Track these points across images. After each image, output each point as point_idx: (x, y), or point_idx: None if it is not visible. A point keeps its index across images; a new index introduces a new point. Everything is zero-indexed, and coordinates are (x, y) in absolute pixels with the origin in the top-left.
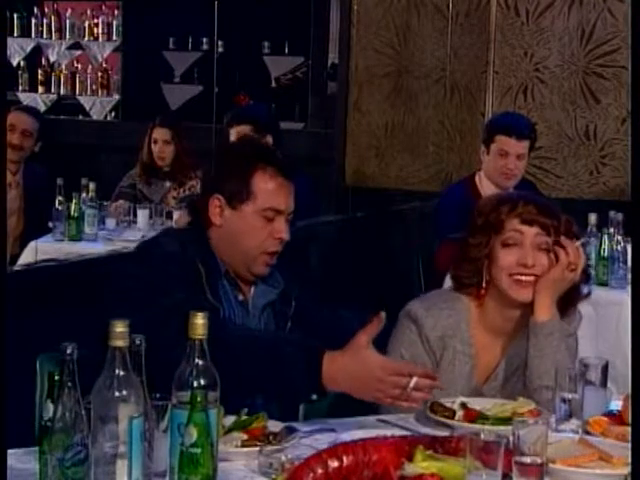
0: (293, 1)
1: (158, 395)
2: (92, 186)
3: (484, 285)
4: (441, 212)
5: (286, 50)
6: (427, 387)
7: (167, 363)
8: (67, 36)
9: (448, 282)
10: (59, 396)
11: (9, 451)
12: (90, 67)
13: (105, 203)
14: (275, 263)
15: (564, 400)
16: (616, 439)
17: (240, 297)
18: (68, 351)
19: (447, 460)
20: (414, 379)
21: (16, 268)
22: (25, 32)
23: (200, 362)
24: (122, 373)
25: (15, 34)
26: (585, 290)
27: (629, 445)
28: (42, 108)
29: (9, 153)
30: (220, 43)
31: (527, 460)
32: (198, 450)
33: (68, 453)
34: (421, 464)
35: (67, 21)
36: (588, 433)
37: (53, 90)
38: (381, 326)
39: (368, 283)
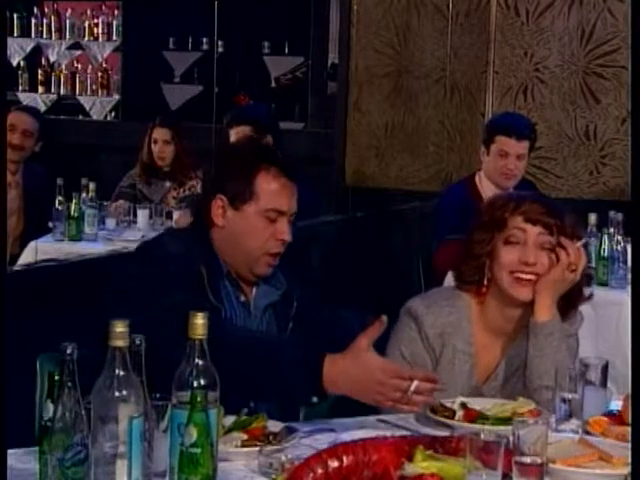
0: (293, 1)
1: (158, 395)
2: (92, 186)
3: (485, 283)
4: (441, 212)
5: (286, 50)
6: (428, 390)
7: (167, 363)
8: (67, 36)
9: (448, 282)
10: (59, 396)
11: (9, 451)
12: (90, 67)
13: (105, 203)
14: (277, 264)
15: (564, 400)
16: (616, 439)
17: (242, 298)
18: (68, 351)
19: (447, 460)
20: (415, 382)
21: (16, 268)
22: (25, 32)
23: (200, 362)
24: (122, 373)
25: (15, 34)
26: (587, 292)
27: (629, 445)
28: (42, 108)
29: (9, 153)
30: (220, 43)
31: (527, 460)
32: (198, 450)
33: (68, 453)
34: (421, 464)
35: (67, 21)
36: (588, 433)
37: (53, 90)
38: (382, 329)
39: (368, 283)
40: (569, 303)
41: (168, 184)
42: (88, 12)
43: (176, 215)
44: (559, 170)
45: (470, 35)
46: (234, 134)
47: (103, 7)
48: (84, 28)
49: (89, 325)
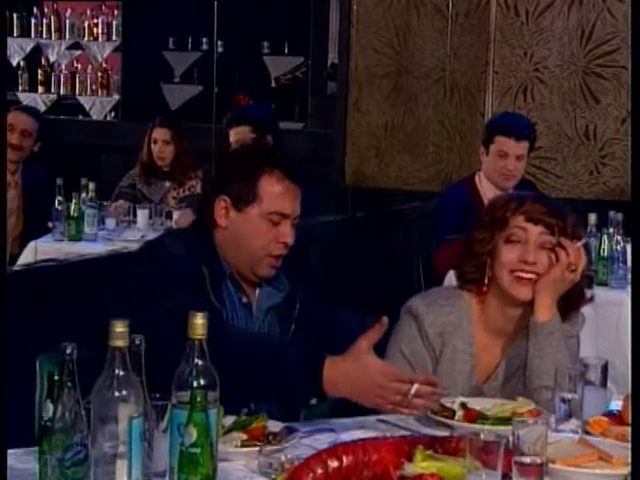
0: (293, 1)
1: (158, 395)
2: (92, 186)
3: (486, 282)
4: (441, 212)
5: (286, 50)
6: (428, 394)
7: (167, 363)
8: (67, 36)
9: (448, 282)
10: (59, 396)
11: (9, 451)
12: (90, 67)
13: (105, 203)
14: (280, 265)
15: (564, 400)
16: (616, 439)
17: (244, 299)
18: (68, 351)
19: (447, 460)
20: (415, 386)
21: (16, 268)
22: (25, 32)
23: (200, 362)
24: (122, 373)
25: (15, 34)
26: (588, 294)
27: (629, 445)
28: (42, 108)
29: (8, 153)
30: (220, 43)
31: (527, 460)
32: (198, 450)
33: (68, 453)
34: (421, 464)
35: (67, 21)
36: (588, 433)
37: (53, 90)
38: (383, 331)
39: (368, 283)
40: (570, 304)
41: (168, 184)
42: (88, 12)
43: (176, 215)
44: (559, 170)
45: (470, 35)
46: (234, 134)
47: (103, 7)
48: (84, 28)
49: (89, 325)
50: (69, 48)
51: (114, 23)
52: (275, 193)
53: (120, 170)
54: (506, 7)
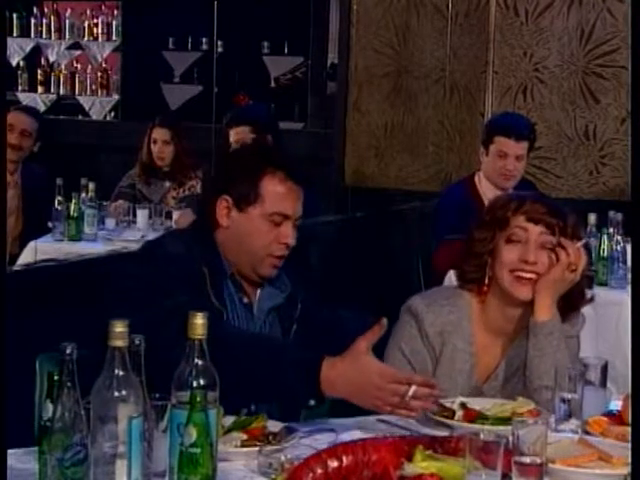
0: (292, 1)
1: (157, 395)
2: (92, 186)
3: (487, 282)
4: (440, 212)
5: (285, 50)
6: (426, 396)
7: (167, 363)
8: (67, 36)
9: (448, 282)
10: (58, 396)
11: (9, 451)
12: (90, 67)
13: (105, 203)
14: (282, 266)
15: (564, 400)
16: (616, 439)
17: (245, 300)
18: (68, 351)
19: (446, 460)
20: (413, 387)
21: (16, 268)
22: (24, 32)
23: (200, 362)
24: (121, 373)
25: (15, 34)
26: (589, 294)
27: (629, 445)
28: (42, 108)
29: (7, 153)
30: (220, 43)
31: (526, 460)
32: (197, 450)
33: (67, 453)
34: (420, 464)
35: (66, 21)
36: (588, 433)
37: (52, 90)
38: (382, 332)
39: (368, 283)
40: (570, 304)
41: (168, 184)
42: (88, 12)
43: (176, 215)
44: (559, 170)
45: (469, 35)
46: (234, 134)
47: (103, 7)
48: (84, 28)
49: (89, 325)
50: (69, 48)
51: (114, 23)
52: (277, 194)
53: (120, 170)
54: (506, 7)
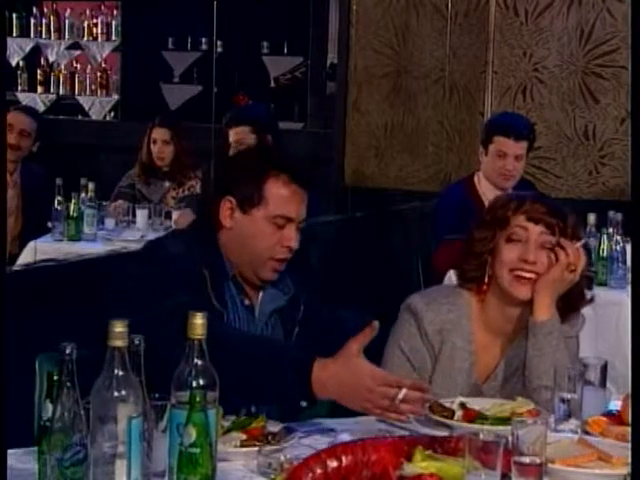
0: (292, 1)
1: (157, 395)
2: (91, 186)
3: (486, 281)
4: (440, 212)
5: (285, 50)
6: (416, 399)
7: (167, 363)
8: (66, 36)
9: (447, 282)
10: (58, 396)
11: (8, 451)
12: (89, 67)
13: (104, 203)
14: (285, 268)
15: (563, 400)
16: (615, 439)
17: (246, 301)
18: (67, 351)
19: (446, 460)
20: (403, 391)
21: (15, 268)
22: (24, 32)
23: (199, 362)
24: (121, 373)
25: (14, 34)
26: (588, 295)
27: (629, 445)
28: (41, 108)
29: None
30: (219, 43)
31: (526, 460)
32: (197, 450)
33: (67, 453)
34: (420, 464)
35: (66, 21)
36: (587, 433)
37: (52, 90)
38: (373, 335)
39: (368, 283)
40: (570, 305)
41: (167, 184)
42: (87, 12)
43: (175, 215)
44: (558, 170)
45: (469, 35)
46: (233, 134)
47: (102, 7)
48: (83, 28)
49: (88, 325)
50: (68, 48)
51: (113, 23)
52: (281, 196)
53: (119, 170)
54: (505, 7)
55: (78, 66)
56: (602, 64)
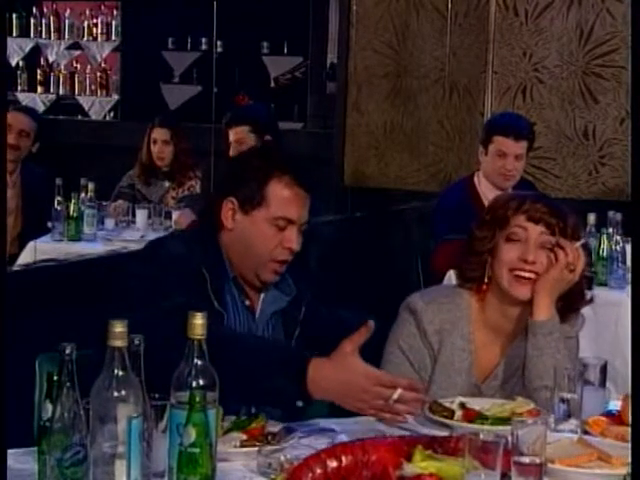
0: (292, 1)
1: (157, 395)
2: (91, 186)
3: (486, 281)
4: (439, 212)
5: (285, 50)
6: (411, 400)
7: (167, 363)
8: (66, 36)
9: (447, 282)
10: (58, 396)
11: (8, 451)
12: (89, 67)
13: (104, 203)
14: (287, 269)
15: (563, 400)
16: (615, 439)
17: (247, 302)
18: (67, 351)
19: (446, 460)
20: (398, 391)
21: (15, 268)
22: (24, 32)
23: (199, 362)
24: (121, 373)
25: (14, 34)
26: (588, 295)
27: (628, 445)
28: (41, 108)
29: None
30: (219, 43)
31: (526, 460)
32: (197, 450)
33: (67, 453)
34: (420, 464)
35: (66, 21)
36: (587, 433)
37: (52, 90)
38: (368, 335)
39: (368, 283)
40: (570, 305)
41: (167, 184)
42: (87, 12)
43: (175, 215)
44: (558, 170)
45: (469, 35)
46: (233, 134)
47: (102, 7)
48: (83, 28)
49: (88, 325)
50: (68, 48)
51: (113, 23)
52: (283, 198)
53: (119, 170)
54: (505, 7)
55: (78, 66)
56: (602, 64)
